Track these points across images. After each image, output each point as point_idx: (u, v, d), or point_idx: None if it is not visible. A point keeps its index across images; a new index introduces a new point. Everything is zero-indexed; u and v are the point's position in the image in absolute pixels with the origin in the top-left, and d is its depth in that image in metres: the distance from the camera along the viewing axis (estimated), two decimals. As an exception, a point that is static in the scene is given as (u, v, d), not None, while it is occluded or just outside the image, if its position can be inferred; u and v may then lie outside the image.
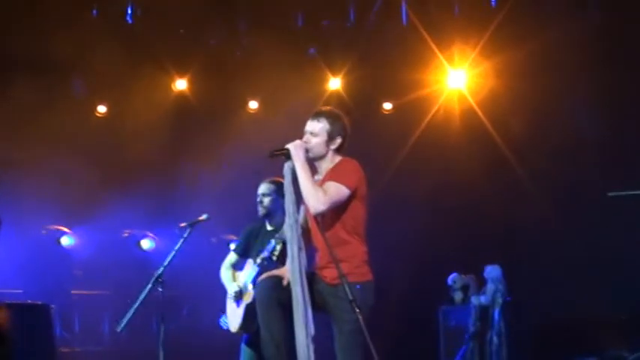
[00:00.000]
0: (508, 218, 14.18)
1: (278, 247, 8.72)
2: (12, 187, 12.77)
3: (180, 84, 14.76)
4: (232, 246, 10.48)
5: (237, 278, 9.50)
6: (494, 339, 12.58)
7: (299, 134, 7.31)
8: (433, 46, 14.29)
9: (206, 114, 14.84)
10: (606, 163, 13.11)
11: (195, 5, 13.59)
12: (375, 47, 14.78)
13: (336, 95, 14.34)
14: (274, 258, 8.84)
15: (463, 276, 13.38)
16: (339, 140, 7.30)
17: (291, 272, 7.14)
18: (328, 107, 8.41)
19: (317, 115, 7.48)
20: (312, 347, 6.97)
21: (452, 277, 13.39)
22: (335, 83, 14.47)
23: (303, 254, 7.23)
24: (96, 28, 13.72)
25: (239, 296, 9.46)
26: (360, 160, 7.36)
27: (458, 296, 13.41)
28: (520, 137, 14.56)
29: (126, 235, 13.98)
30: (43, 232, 13.40)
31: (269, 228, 9.07)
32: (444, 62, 14.66)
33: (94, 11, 13.80)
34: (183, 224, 9.36)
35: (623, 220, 11.77)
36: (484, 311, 12.79)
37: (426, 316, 13.61)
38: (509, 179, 14.45)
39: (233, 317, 9.47)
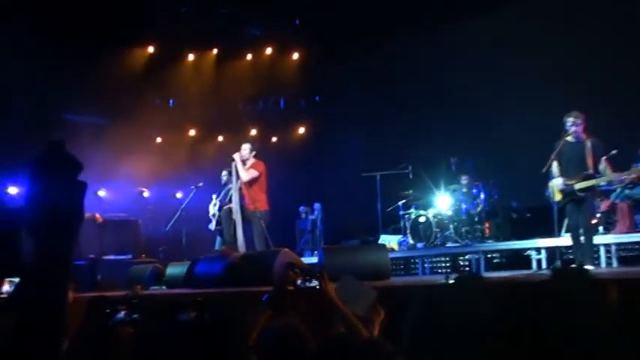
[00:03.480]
0: (326, 184, 14.57)
1: (227, 194, 10.00)
2: (126, 166, 12.98)
3: (192, 132, 15.28)
4: (214, 196, 10.83)
5: (214, 208, 10.68)
6: (317, 232, 13.72)
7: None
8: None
9: (207, 141, 15.14)
10: (365, 158, 13.32)
11: (198, 94, 14.17)
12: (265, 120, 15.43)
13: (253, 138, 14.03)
14: (225, 198, 10.03)
15: (306, 207, 14.24)
16: (254, 151, 9.10)
17: (234, 206, 9.08)
18: (250, 138, 10.47)
19: (245, 142, 9.34)
20: (244, 240, 8.86)
21: (301, 208, 14.32)
22: (254, 131, 14.88)
23: (237, 197, 9.08)
24: (160, 109, 14.56)
25: (214, 215, 10.65)
26: (265, 160, 9.34)
27: (303, 216, 14.26)
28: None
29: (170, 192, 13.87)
30: (136, 190, 13.57)
31: (228, 187, 10.04)
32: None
33: (157, 100, 14.51)
34: (192, 187, 11.37)
35: (369, 188, 11.95)
36: (314, 222, 13.87)
37: (290, 226, 14.28)
38: (321, 166, 14.95)
39: (211, 224, 10.76)
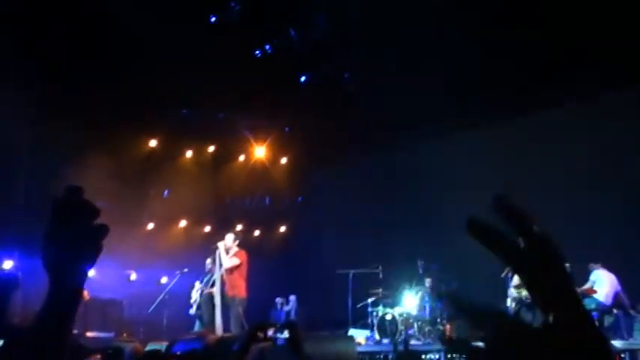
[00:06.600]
0: (302, 278, 14.03)
1: (210, 280, 9.92)
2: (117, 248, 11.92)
3: (182, 222, 14.77)
4: (197, 282, 10.74)
5: (196, 294, 10.56)
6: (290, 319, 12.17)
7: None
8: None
9: (194, 230, 14.75)
10: (339, 257, 12.89)
11: (191, 187, 13.78)
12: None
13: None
14: (207, 284, 9.95)
15: (282, 298, 14.07)
16: (237, 241, 9.09)
17: (215, 290, 9.09)
18: (235, 231, 9.98)
19: (229, 233, 9.25)
20: (222, 324, 8.82)
21: (277, 299, 14.11)
22: (240, 226, 13.72)
23: (219, 283, 9.06)
24: (154, 198, 14.21)
25: (195, 301, 10.54)
26: (247, 251, 9.24)
27: (279, 307, 14.03)
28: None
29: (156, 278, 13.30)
30: (124, 272, 13.00)
31: (211, 274, 9.96)
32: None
33: (152, 190, 14.10)
34: (177, 272, 11.38)
35: (342, 284, 11.93)
36: (288, 313, 13.70)
37: (266, 315, 13.39)
38: (299, 261, 14.56)
39: (192, 309, 10.64)
